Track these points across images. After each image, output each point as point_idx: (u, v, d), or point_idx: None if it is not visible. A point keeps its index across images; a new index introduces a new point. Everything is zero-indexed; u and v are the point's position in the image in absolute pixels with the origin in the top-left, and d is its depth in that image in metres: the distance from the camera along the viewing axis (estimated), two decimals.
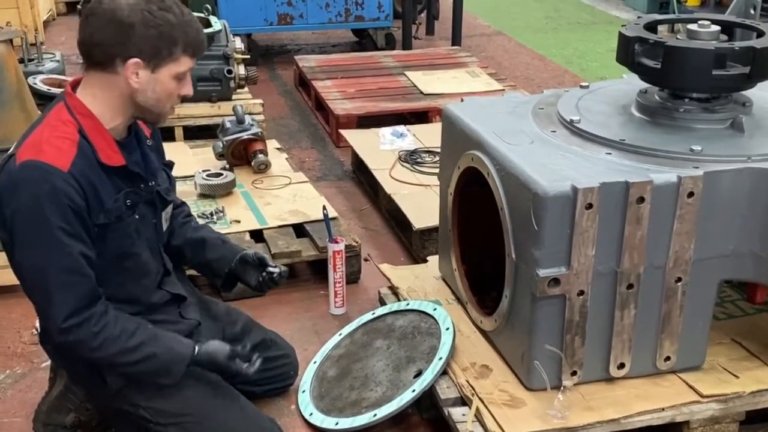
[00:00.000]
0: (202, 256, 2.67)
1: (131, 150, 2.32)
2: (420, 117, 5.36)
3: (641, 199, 2.34)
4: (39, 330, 2.50)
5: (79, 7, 6.81)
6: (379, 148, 4.63)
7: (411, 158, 4.44)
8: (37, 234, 2.10)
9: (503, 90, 5.59)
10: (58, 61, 5.58)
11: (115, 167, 2.23)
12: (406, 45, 7.09)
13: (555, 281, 2.38)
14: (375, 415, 2.63)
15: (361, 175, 4.73)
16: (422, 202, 3.90)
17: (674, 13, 8.06)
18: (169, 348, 2.33)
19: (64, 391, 2.54)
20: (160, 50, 2.15)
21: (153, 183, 2.38)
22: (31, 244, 2.12)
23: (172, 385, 2.37)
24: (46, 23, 7.86)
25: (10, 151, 2.20)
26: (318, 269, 3.64)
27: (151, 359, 2.28)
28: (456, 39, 7.19)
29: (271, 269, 2.64)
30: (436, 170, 4.07)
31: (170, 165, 2.58)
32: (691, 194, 2.37)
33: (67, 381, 2.55)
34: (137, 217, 2.33)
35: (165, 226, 2.52)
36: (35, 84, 4.73)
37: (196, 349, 2.38)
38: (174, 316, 2.49)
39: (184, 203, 2.78)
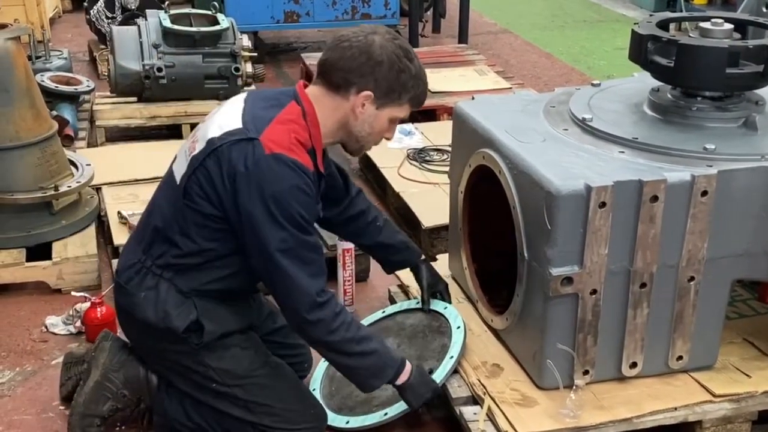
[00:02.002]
0: (387, 258, 2.95)
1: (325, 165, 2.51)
2: (427, 115, 5.34)
3: (655, 198, 2.33)
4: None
5: (85, 4, 6.81)
6: (387, 146, 4.61)
7: (419, 156, 4.43)
8: (286, 217, 2.24)
9: (511, 88, 5.57)
10: (65, 58, 5.57)
11: (319, 178, 2.41)
12: (413, 43, 7.06)
13: (568, 280, 2.37)
14: (386, 414, 2.62)
15: (369, 172, 4.72)
16: (431, 201, 3.90)
17: (681, 10, 8.03)
18: (387, 349, 2.51)
19: (100, 380, 2.56)
20: (393, 92, 2.36)
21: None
22: (281, 226, 2.25)
23: (241, 348, 2.50)
24: (51, 20, 7.86)
25: (237, 132, 2.28)
26: (327, 267, 3.63)
27: (372, 355, 2.42)
28: (463, 37, 7.17)
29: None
30: (445, 168, 4.08)
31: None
32: (704, 193, 2.36)
33: (105, 369, 2.56)
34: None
35: None
36: (43, 81, 4.72)
37: (407, 361, 2.52)
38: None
39: (368, 203, 2.91)
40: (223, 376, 2.46)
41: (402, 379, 2.48)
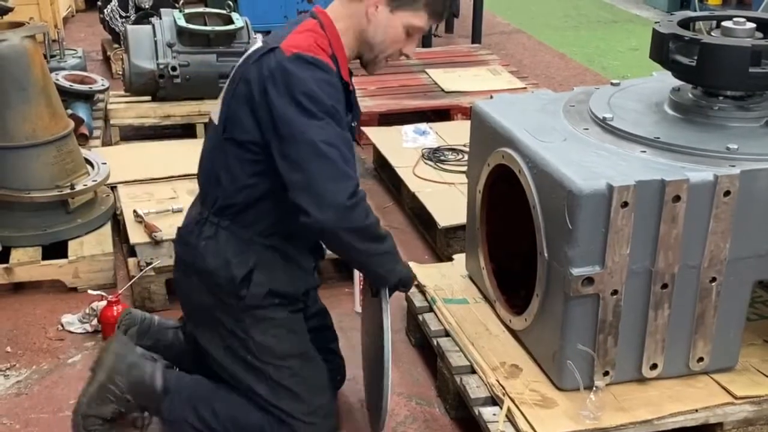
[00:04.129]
0: None
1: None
2: (442, 115, 5.33)
3: (677, 198, 2.31)
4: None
5: (98, 3, 6.82)
6: (402, 146, 4.61)
7: (434, 156, 4.42)
8: (319, 108, 2.20)
9: (525, 88, 5.55)
10: (80, 57, 5.57)
11: (345, 88, 2.36)
12: (426, 43, 7.05)
13: (589, 280, 2.35)
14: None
15: (383, 172, 4.71)
16: (446, 200, 3.88)
17: (696, 10, 8.00)
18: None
19: (104, 382, 2.53)
20: None
21: (355, 123, 2.49)
22: (314, 118, 2.20)
23: (287, 329, 2.48)
24: (65, 20, 7.87)
25: (259, 46, 2.34)
26: (343, 267, 3.62)
27: (388, 236, 2.39)
28: (476, 37, 7.15)
29: None
30: (460, 168, 4.07)
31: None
32: (727, 193, 2.34)
33: (110, 372, 2.52)
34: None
35: None
36: (58, 80, 4.72)
37: None
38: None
39: None
40: (261, 350, 2.45)
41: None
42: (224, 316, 2.46)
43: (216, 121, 2.41)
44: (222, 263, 2.40)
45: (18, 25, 3.64)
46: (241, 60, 2.40)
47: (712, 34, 2.64)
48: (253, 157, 2.33)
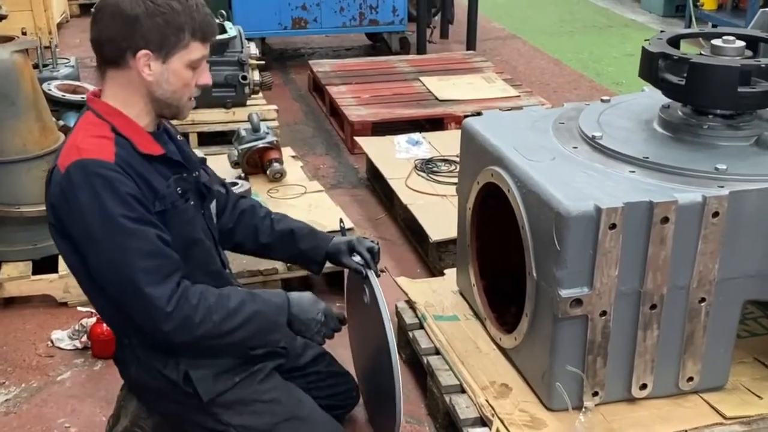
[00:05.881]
0: (294, 247, 2.62)
1: (164, 142, 2.27)
2: (435, 123, 5.33)
3: (665, 219, 2.30)
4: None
5: (92, 10, 6.81)
6: (395, 156, 4.60)
7: (427, 167, 4.41)
8: (106, 229, 2.05)
9: (519, 96, 5.55)
10: (72, 66, 5.54)
11: (156, 156, 2.20)
12: (421, 49, 7.05)
13: (577, 302, 2.34)
14: None
15: (376, 182, 4.70)
16: (439, 213, 3.87)
17: (691, 15, 8.00)
18: (267, 300, 2.28)
19: (129, 426, 2.46)
20: (167, 38, 2.11)
21: (196, 174, 2.35)
22: (104, 242, 2.06)
23: (262, 402, 2.36)
24: (59, 25, 7.86)
25: (50, 167, 2.19)
26: (334, 281, 3.61)
27: (258, 316, 2.22)
28: (471, 44, 7.14)
29: (357, 263, 2.61)
30: (453, 180, 4.06)
31: (204, 161, 2.53)
32: (716, 214, 2.33)
33: (134, 417, 2.46)
34: (191, 203, 2.30)
35: (214, 221, 2.48)
36: (50, 90, 4.69)
37: (287, 296, 2.32)
38: None
39: (255, 201, 2.74)
40: None
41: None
42: (195, 417, 2.36)
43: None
44: (157, 376, 2.30)
45: (8, 39, 3.63)
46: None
47: (702, 52, 2.63)
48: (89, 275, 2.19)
